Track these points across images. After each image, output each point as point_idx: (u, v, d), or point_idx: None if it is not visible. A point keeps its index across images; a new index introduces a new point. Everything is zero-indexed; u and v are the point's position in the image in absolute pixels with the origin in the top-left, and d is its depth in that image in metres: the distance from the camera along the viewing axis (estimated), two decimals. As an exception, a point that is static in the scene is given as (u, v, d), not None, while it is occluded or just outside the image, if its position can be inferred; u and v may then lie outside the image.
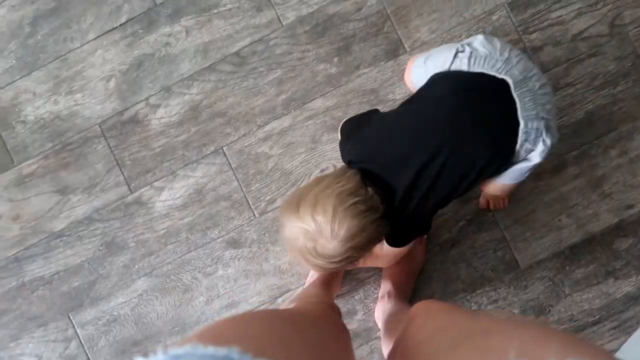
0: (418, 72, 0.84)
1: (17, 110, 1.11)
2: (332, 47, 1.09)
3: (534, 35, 1.07)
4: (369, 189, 0.71)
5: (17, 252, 1.10)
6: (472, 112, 0.73)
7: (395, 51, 1.08)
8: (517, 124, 0.72)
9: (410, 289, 1.05)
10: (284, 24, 1.09)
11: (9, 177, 1.10)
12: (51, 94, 1.11)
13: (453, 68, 0.77)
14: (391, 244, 0.81)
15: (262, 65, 1.09)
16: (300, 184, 1.08)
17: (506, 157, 0.75)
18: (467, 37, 1.06)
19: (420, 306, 0.71)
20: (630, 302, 1.05)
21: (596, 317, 1.06)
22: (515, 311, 1.06)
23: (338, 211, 0.68)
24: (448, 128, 0.73)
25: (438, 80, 0.78)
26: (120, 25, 1.11)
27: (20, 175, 1.10)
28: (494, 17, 1.07)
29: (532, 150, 0.75)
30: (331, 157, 1.09)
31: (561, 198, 1.06)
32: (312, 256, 0.70)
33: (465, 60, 0.75)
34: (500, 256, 1.07)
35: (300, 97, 1.09)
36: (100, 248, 1.09)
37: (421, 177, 0.73)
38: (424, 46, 1.08)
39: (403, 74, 1.08)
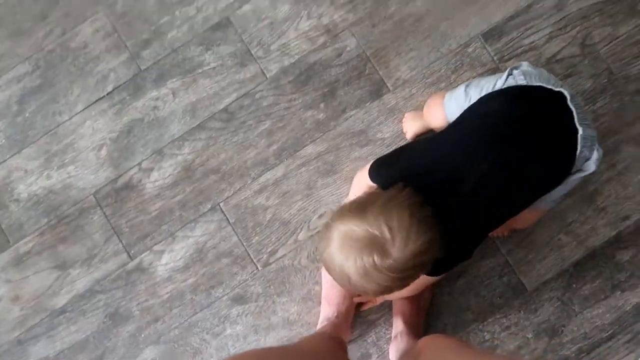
0: (455, 103, 0.86)
1: (9, 189, 1.11)
2: (317, 94, 1.11)
3: (509, 63, 1.10)
4: (429, 207, 0.69)
5: (20, 334, 1.07)
6: (537, 120, 0.75)
7: (379, 91, 1.11)
8: (576, 131, 0.75)
9: (422, 325, 1.05)
10: (268, 76, 1.12)
11: (6, 258, 1.09)
12: (43, 169, 1.11)
13: (506, 85, 0.80)
14: (430, 272, 0.77)
15: (251, 119, 1.11)
16: (300, 232, 1.08)
17: (567, 164, 0.77)
18: (447, 71, 1.10)
19: (427, 340, 0.71)
20: (640, 313, 1.06)
21: (609, 332, 1.05)
22: (529, 335, 1.06)
23: (414, 221, 0.64)
24: (514, 136, 0.75)
25: (493, 97, 0.79)
26: (107, 94, 1.12)
27: (17, 254, 1.09)
28: (470, 49, 1.11)
29: (587, 159, 0.78)
30: (327, 202, 1.09)
31: (557, 217, 1.08)
32: (374, 269, 0.63)
33: (522, 77, 0.79)
34: (506, 281, 1.07)
35: (291, 145, 1.10)
36: (105, 320, 1.07)
37: (495, 176, 0.73)
38: (406, 84, 1.10)
39: (389, 113, 1.10)
